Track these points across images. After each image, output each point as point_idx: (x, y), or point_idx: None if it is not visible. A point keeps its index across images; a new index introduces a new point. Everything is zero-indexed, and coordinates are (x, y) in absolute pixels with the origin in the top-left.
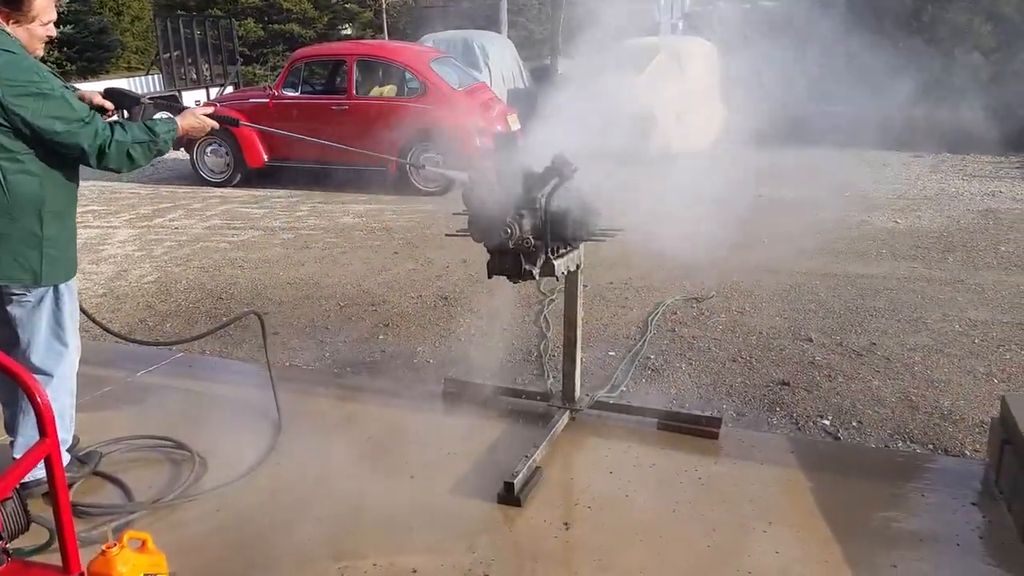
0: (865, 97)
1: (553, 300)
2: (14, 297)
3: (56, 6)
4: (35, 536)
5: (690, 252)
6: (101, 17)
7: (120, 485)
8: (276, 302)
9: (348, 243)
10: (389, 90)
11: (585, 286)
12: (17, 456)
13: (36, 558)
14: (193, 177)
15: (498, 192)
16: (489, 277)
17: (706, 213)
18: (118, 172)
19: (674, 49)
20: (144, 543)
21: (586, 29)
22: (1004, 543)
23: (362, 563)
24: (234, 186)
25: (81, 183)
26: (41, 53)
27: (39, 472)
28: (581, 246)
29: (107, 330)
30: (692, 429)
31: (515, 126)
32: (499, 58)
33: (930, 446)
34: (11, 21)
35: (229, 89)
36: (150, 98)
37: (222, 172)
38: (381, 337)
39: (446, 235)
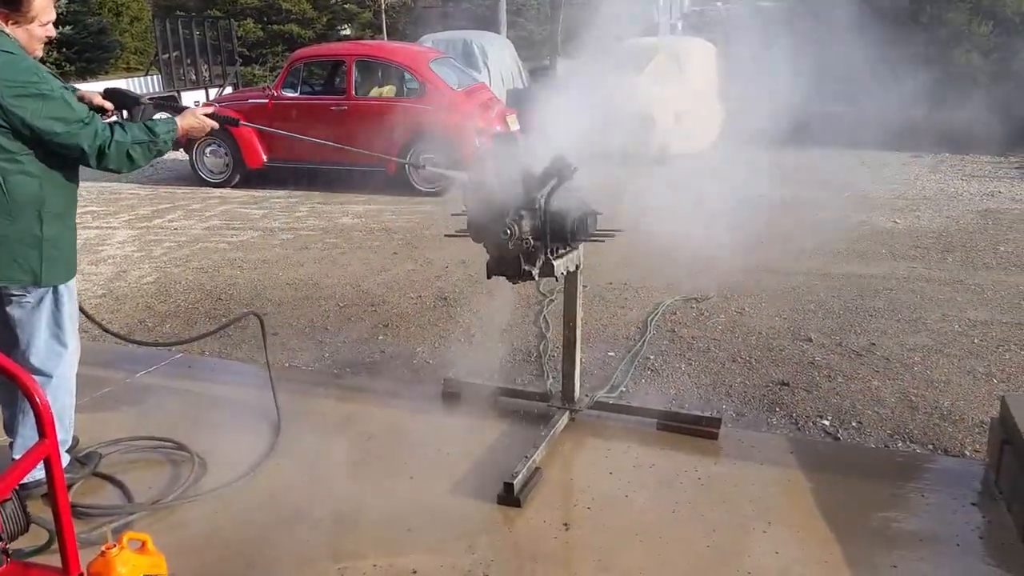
0: (864, 97)
1: (552, 300)
2: (13, 298)
3: (55, 7)
4: (34, 537)
5: (690, 252)
6: (100, 18)
7: (120, 486)
8: (275, 303)
9: (347, 244)
10: (388, 91)
11: (584, 286)
12: (16, 457)
13: (35, 559)
14: (192, 178)
15: (497, 193)
16: (488, 277)
17: (706, 213)
18: (118, 172)
19: (673, 49)
20: (144, 544)
21: (585, 29)
22: (1004, 543)
23: (362, 564)
24: (233, 187)
25: (80, 184)
26: (40, 54)
27: (38, 473)
28: (580, 246)
29: (107, 331)
30: (692, 429)
31: (514, 126)
32: (498, 58)
33: (930, 446)
34: (10, 22)
35: (228, 90)
36: (150, 98)
37: (221, 173)
38: (380, 338)
39: (445, 235)
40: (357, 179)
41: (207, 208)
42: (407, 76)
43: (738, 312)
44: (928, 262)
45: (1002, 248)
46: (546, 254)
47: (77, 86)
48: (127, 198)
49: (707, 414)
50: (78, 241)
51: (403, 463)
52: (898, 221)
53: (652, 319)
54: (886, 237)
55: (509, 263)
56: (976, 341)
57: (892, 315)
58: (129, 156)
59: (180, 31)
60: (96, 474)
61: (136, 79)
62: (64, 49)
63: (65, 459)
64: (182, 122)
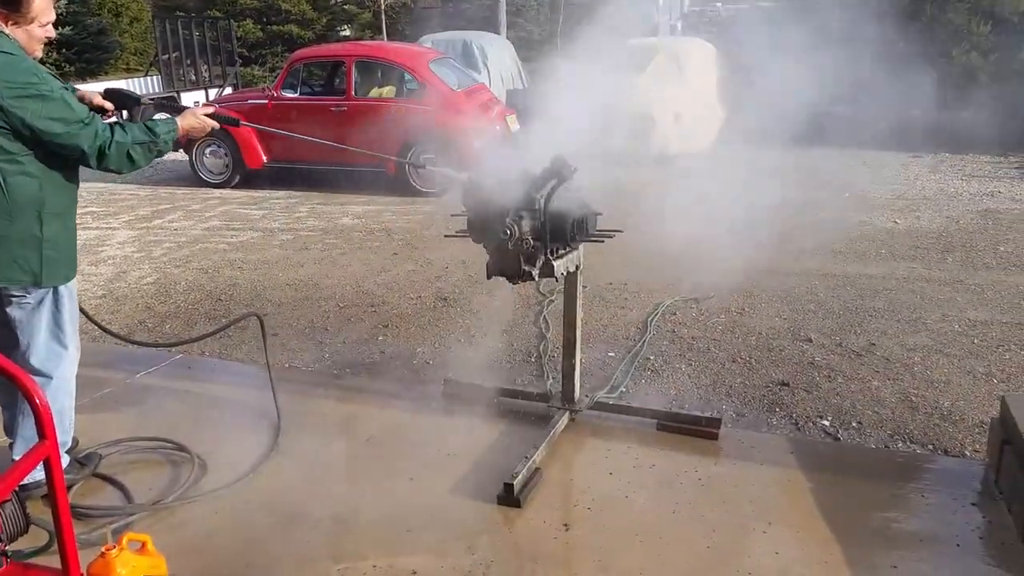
0: (864, 98)
1: (552, 301)
2: (13, 299)
3: (55, 7)
4: (34, 538)
5: (689, 253)
6: (100, 18)
7: (120, 487)
8: (275, 303)
9: (347, 244)
10: (388, 91)
11: (584, 287)
12: (16, 458)
13: (35, 560)
14: (192, 178)
15: (497, 193)
16: (488, 278)
17: (706, 213)
18: (118, 173)
19: (673, 50)
20: (144, 545)
21: (585, 30)
22: (1004, 543)
23: (362, 564)
24: (233, 187)
25: (80, 184)
26: (40, 54)
27: (38, 474)
28: (580, 247)
29: (107, 331)
30: (692, 430)
31: (514, 127)
32: (498, 59)
33: (930, 446)
34: (10, 22)
35: (228, 90)
36: (150, 99)
37: (221, 173)
38: (380, 338)
39: (445, 236)
40: (357, 180)
41: (207, 209)
42: (407, 77)
43: (738, 312)
44: (928, 262)
45: (1002, 248)
46: (546, 254)
47: (77, 86)
48: (127, 199)
49: (707, 414)
50: (78, 242)
51: (403, 463)
52: (898, 221)
53: (652, 319)
54: (886, 237)
55: (509, 263)
56: (976, 341)
57: (892, 315)
58: (129, 156)
59: (180, 32)
60: (96, 475)
61: (136, 80)
62: (64, 50)
63: (65, 460)
64: (182, 122)
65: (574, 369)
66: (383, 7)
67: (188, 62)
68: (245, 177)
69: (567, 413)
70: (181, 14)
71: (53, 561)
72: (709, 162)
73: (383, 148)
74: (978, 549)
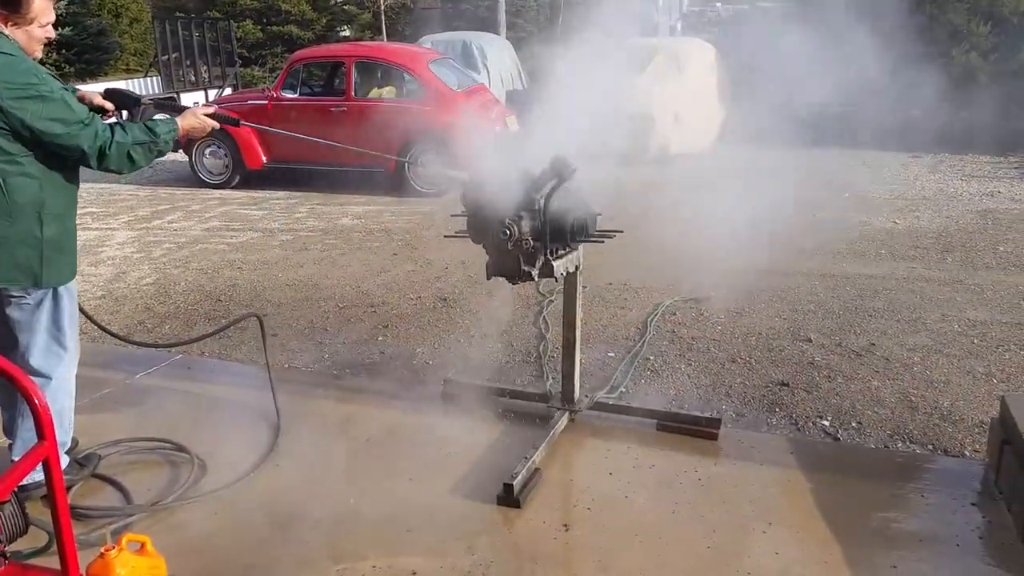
0: (863, 98)
1: (552, 301)
2: (13, 299)
3: (54, 8)
4: (33, 539)
5: (689, 253)
6: (99, 19)
7: (119, 487)
8: (275, 304)
9: (347, 245)
10: (388, 92)
11: (584, 287)
12: (15, 459)
13: (34, 561)
14: (192, 179)
15: (497, 193)
16: (488, 278)
17: (705, 213)
18: (119, 173)
19: (673, 50)
20: (143, 546)
21: (585, 30)
22: (1004, 543)
23: (361, 564)
24: (233, 188)
25: (80, 185)
26: (40, 55)
27: (38, 475)
28: (580, 247)
29: (107, 331)
30: (691, 430)
31: (513, 128)
32: (497, 59)
33: (930, 446)
34: (9, 23)
35: (228, 91)
36: (150, 99)
37: (221, 174)
38: (380, 338)
39: (445, 236)
40: (357, 180)
41: (207, 209)
42: (407, 77)
43: (738, 312)
44: (928, 262)
45: (1001, 248)
46: (545, 255)
47: (77, 87)
48: (126, 199)
49: (707, 414)
50: (78, 242)
51: (403, 464)
52: (898, 221)
53: (652, 320)
54: (886, 237)
55: (509, 264)
56: (976, 341)
57: (892, 315)
58: (130, 157)
59: (179, 32)
60: (95, 475)
61: (136, 80)
62: (63, 51)
63: (64, 460)
64: (183, 122)
65: (574, 369)
66: (383, 8)
67: (188, 63)
68: (245, 178)
69: (567, 413)
70: (181, 15)
71: (52, 562)
72: (709, 162)
73: (383, 149)
74: (978, 549)
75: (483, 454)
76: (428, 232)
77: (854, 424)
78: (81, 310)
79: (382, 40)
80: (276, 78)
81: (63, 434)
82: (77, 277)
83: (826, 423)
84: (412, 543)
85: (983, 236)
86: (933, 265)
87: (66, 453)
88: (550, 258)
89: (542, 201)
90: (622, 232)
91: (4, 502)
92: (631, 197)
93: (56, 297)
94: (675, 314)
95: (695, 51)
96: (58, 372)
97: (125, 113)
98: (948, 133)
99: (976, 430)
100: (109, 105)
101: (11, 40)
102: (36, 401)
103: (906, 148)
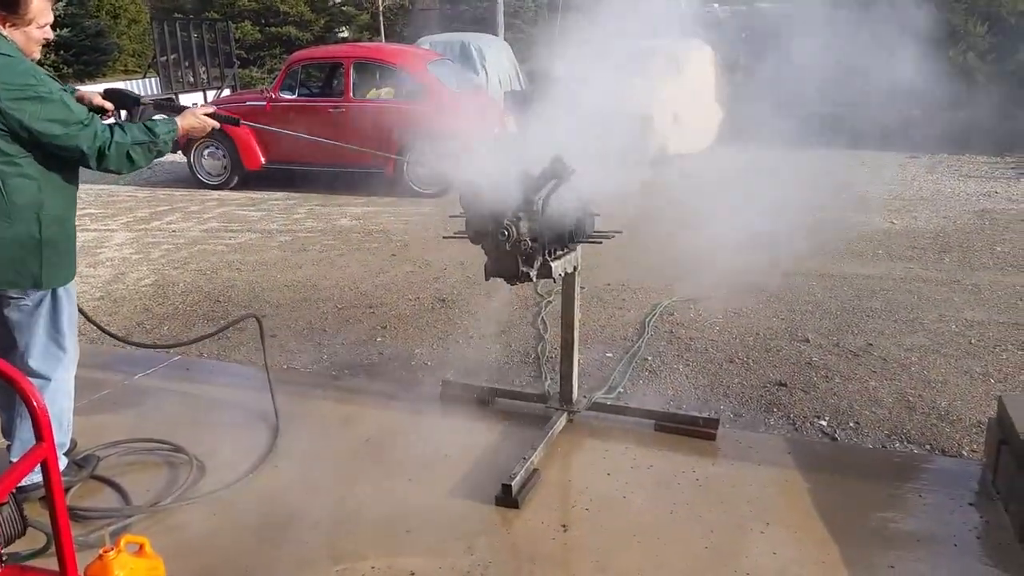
0: (862, 98)
1: (550, 302)
2: (12, 301)
3: (53, 9)
4: (32, 540)
5: (687, 253)
6: (98, 20)
7: (117, 489)
8: (274, 304)
9: (345, 245)
10: (386, 92)
11: (582, 288)
12: (14, 460)
13: (33, 563)
14: (190, 180)
15: (496, 194)
16: (486, 279)
17: (704, 214)
18: (118, 174)
19: (671, 51)
20: (141, 547)
21: (583, 32)
22: (1001, 543)
23: (360, 565)
24: (231, 189)
25: (79, 186)
26: (38, 56)
27: (36, 476)
28: (578, 248)
29: (105, 332)
30: (689, 430)
31: (512, 129)
32: (496, 60)
33: (927, 446)
34: (7, 24)
35: (226, 92)
36: (149, 99)
37: (219, 175)
38: (379, 339)
39: (443, 237)
40: (355, 181)
41: (205, 210)
42: (405, 78)
43: (735, 313)
44: (925, 262)
45: (999, 248)
46: (544, 255)
47: (76, 87)
48: (125, 200)
49: (705, 415)
50: (76, 243)
51: (401, 464)
52: (895, 221)
53: (650, 320)
54: (883, 237)
55: (507, 265)
56: (973, 341)
57: (889, 315)
58: (129, 157)
59: (178, 33)
60: (94, 477)
61: (134, 81)
62: (62, 51)
63: (63, 462)
64: (182, 122)
65: (572, 370)
66: (381, 9)
67: (186, 64)
68: (243, 178)
69: (565, 414)
70: (179, 16)
71: (51, 563)
72: (707, 162)
73: (381, 149)
74: (975, 549)
75: (481, 455)
76: (426, 233)
77: (852, 424)
78: (80, 311)
79: (380, 41)
80: (275, 79)
81: (62, 435)
82: (76, 278)
83: (824, 423)
84: (411, 543)
85: (980, 236)
86: (930, 265)
87: (65, 454)
88: (548, 259)
89: (540, 202)
90: (620, 233)
91: (2, 504)
92: (629, 197)
93: (55, 299)
94: (673, 314)
95: (694, 52)
96: (57, 373)
97: (124, 113)
98: (946, 133)
99: (973, 430)
100: (108, 105)
101: (9, 41)
102: (35, 403)
103: (904, 148)
